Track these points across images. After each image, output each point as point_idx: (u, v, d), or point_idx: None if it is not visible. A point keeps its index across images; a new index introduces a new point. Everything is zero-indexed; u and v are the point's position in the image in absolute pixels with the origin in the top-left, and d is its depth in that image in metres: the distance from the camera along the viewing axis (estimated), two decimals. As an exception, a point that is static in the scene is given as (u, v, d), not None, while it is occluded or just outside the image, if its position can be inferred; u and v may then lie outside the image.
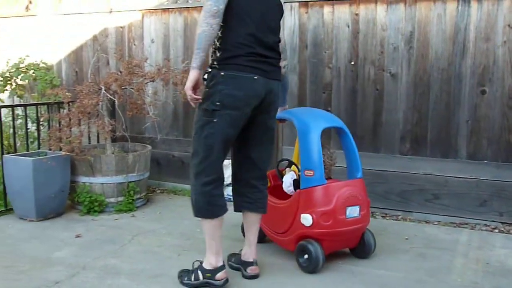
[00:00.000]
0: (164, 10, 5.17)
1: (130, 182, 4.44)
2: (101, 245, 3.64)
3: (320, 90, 4.58)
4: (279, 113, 3.22)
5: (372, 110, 4.39)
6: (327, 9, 4.46)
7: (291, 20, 4.61)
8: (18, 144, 4.79)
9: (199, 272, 2.93)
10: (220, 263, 2.92)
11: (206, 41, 2.62)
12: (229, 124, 2.79)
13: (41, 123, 4.77)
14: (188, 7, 5.05)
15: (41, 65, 5.42)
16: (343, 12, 4.41)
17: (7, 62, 5.36)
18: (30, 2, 5.95)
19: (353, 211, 3.15)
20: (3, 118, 4.54)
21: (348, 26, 4.39)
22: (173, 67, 4.77)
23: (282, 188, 3.43)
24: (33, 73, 5.25)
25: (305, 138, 3.15)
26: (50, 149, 4.49)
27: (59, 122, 4.60)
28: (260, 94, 2.83)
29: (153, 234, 3.89)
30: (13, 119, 4.51)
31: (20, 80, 5.31)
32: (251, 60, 2.78)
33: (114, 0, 5.38)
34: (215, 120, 2.76)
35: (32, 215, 4.16)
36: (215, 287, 2.90)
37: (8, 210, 4.37)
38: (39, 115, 4.70)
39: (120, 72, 4.89)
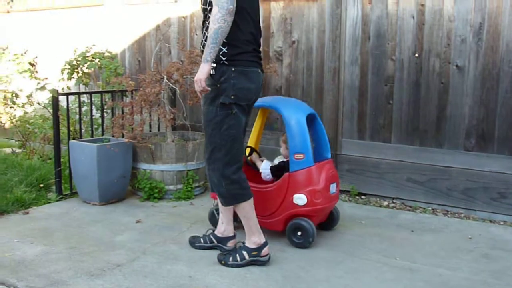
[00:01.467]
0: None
1: (189, 170, 4.51)
2: (161, 231, 3.72)
3: (382, 82, 4.47)
4: (258, 102, 3.39)
5: (436, 103, 4.25)
6: (391, -1, 4.35)
7: (354, 11, 4.53)
8: (83, 130, 4.95)
9: (244, 252, 3.09)
10: (263, 240, 3.12)
11: (222, 37, 2.78)
12: (243, 114, 3.05)
13: (105, 110, 4.91)
14: (250, -3, 5.03)
15: (106, 54, 5.56)
16: (408, 2, 4.28)
17: (75, 51, 5.54)
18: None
19: (333, 188, 3.52)
20: (69, 105, 4.69)
21: (413, 17, 4.26)
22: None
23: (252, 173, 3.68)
24: (99, 61, 5.40)
25: (293, 125, 3.40)
26: (113, 136, 4.62)
27: (122, 110, 4.73)
28: (261, 86, 3.13)
29: (202, 222, 3.93)
30: (79, 106, 4.66)
31: (86, 68, 5.48)
32: (254, 56, 3.04)
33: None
34: (234, 112, 2.96)
35: (95, 199, 4.30)
36: (261, 262, 3.09)
37: (73, 194, 4.54)
38: (103, 102, 4.84)
39: (182, 61, 4.97)
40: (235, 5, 2.76)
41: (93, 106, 4.93)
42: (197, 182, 4.60)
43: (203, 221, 3.95)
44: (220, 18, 2.73)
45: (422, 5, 4.21)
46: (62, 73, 5.47)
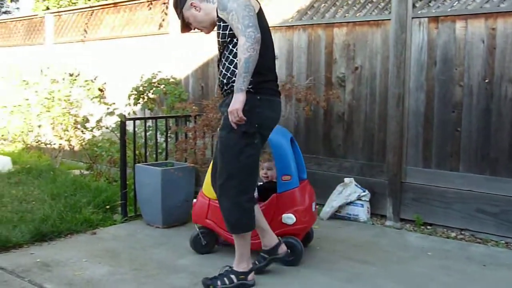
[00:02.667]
0: (288, 27, 5.24)
1: (251, 195, 4.51)
2: (223, 257, 3.70)
3: (449, 109, 4.35)
4: None
5: (509, 131, 4.08)
6: (459, 24, 4.25)
7: (419, 36, 4.45)
8: (147, 154, 5.07)
9: (232, 276, 3.13)
10: (251, 265, 3.19)
11: (253, 66, 2.81)
12: (262, 144, 3.11)
13: (169, 135, 5.02)
14: (313, 24, 5.07)
15: (171, 80, 5.72)
16: (477, 27, 4.16)
17: (141, 77, 5.73)
18: (163, 20, 6.34)
19: (314, 206, 3.74)
20: (135, 129, 4.82)
21: (483, 42, 4.14)
22: (297, 83, 4.79)
23: None
24: (164, 87, 5.56)
25: (280, 149, 3.55)
26: (176, 160, 4.70)
27: (186, 135, 4.82)
28: (280, 116, 3.22)
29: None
30: (145, 131, 4.79)
31: (152, 94, 5.64)
32: (276, 85, 3.15)
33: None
34: (256, 142, 3.00)
35: (158, 222, 4.38)
36: (249, 286, 3.14)
37: (138, 216, 4.63)
38: (168, 127, 4.95)
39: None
40: (260, 33, 2.82)
41: (158, 131, 5.06)
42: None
43: (264, 247, 3.92)
44: (250, 47, 2.78)
45: (493, 29, 4.08)
46: (129, 98, 5.66)
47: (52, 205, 4.60)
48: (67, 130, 6.68)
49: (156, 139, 4.90)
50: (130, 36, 6.77)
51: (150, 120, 5.19)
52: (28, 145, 7.67)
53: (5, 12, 18.97)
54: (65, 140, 6.76)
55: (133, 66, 6.55)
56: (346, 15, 4.89)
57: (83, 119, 6.16)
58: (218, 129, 3.16)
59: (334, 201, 4.68)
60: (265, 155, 3.83)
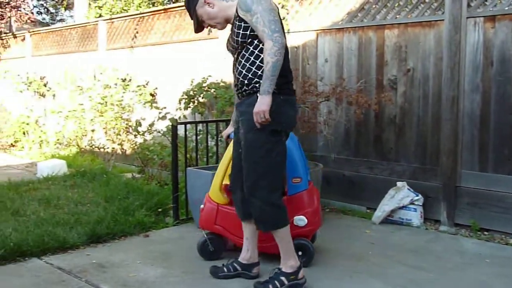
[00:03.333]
0: (339, 29, 5.20)
1: (301, 199, 4.49)
2: (273, 261, 3.70)
3: (507, 110, 4.20)
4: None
5: None
6: (518, 23, 4.10)
7: (474, 36, 4.33)
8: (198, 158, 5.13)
9: (283, 278, 3.10)
10: (299, 263, 3.16)
11: (279, 69, 2.89)
12: (285, 142, 3.16)
13: (219, 138, 5.06)
14: (363, 26, 5.01)
15: (221, 84, 5.76)
16: (537, 25, 4.01)
17: (191, 82, 5.80)
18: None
19: (320, 206, 3.77)
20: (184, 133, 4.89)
21: (544, 41, 3.98)
22: (347, 86, 4.74)
23: None
24: (214, 91, 5.61)
25: (291, 151, 3.47)
26: (227, 164, 4.72)
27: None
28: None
29: (325, 252, 3.85)
30: (196, 135, 4.85)
31: (202, 98, 5.70)
32: (293, 85, 3.18)
33: (293, 21, 5.54)
34: (283, 139, 3.09)
35: (209, 225, 4.40)
36: (300, 286, 3.14)
37: (189, 219, 4.68)
38: (218, 131, 4.99)
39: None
40: (285, 39, 2.94)
41: (209, 135, 5.10)
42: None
43: (316, 250, 3.89)
44: (277, 52, 2.86)
45: (554, 28, 3.93)
46: (180, 102, 5.74)
47: (106, 208, 4.72)
48: (119, 134, 6.85)
49: (207, 143, 4.95)
50: (180, 41, 6.88)
51: (201, 124, 5.25)
52: (82, 149, 7.91)
53: (59, 20, 19.66)
54: (118, 144, 6.93)
55: (183, 71, 6.65)
56: (398, 16, 4.80)
57: (136, 123, 6.30)
58: (240, 130, 3.15)
59: (386, 205, 4.60)
60: None
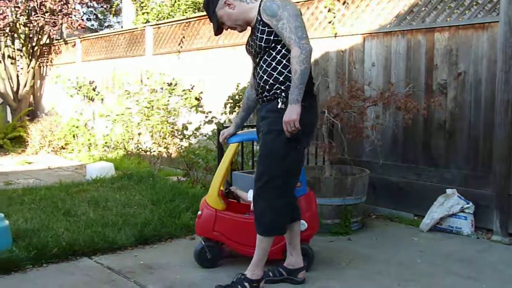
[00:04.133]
0: (386, 33, 5.12)
1: (347, 205, 4.43)
2: (318, 266, 3.67)
3: None
4: (241, 137, 3.70)
5: None
6: None
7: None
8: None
9: (246, 284, 3.10)
10: (262, 276, 3.18)
11: (307, 77, 2.89)
12: (304, 149, 3.16)
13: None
14: (412, 29, 4.91)
15: (267, 88, 5.76)
16: None
17: (237, 86, 5.84)
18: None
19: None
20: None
21: None
22: (395, 91, 4.66)
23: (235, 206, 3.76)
24: (259, 96, 5.61)
25: None
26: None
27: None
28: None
29: (370, 260, 3.81)
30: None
31: (247, 102, 5.71)
32: (312, 88, 3.11)
33: (339, 25, 5.50)
34: (298, 147, 3.04)
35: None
36: None
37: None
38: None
39: (339, 95, 4.97)
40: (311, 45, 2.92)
41: (254, 139, 5.11)
42: (355, 218, 4.50)
43: (362, 257, 3.84)
44: (305, 60, 2.85)
45: None
46: (225, 107, 5.77)
47: (153, 210, 4.78)
48: (165, 138, 6.94)
49: (253, 147, 4.95)
50: (226, 46, 6.92)
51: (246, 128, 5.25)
52: (129, 152, 8.06)
53: (107, 26, 20.18)
54: (163, 148, 7.03)
55: (227, 75, 6.69)
56: (448, 19, 4.69)
57: (182, 127, 6.37)
58: (260, 134, 3.14)
59: (435, 213, 4.48)
60: None
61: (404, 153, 5.00)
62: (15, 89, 10.91)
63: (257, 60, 3.14)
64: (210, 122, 5.57)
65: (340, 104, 4.43)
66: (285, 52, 2.99)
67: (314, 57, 5.72)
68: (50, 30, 10.27)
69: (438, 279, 3.43)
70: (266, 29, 2.98)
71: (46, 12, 10.08)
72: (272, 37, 2.99)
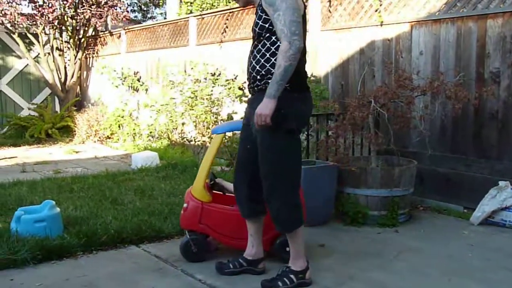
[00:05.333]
0: (435, 21, 4.97)
1: (394, 196, 4.35)
2: (366, 257, 3.63)
3: None
4: (226, 127, 3.65)
5: None
6: None
7: None
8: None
9: (292, 276, 3.08)
10: (307, 264, 3.15)
11: (291, 74, 2.81)
12: (300, 139, 3.14)
13: (310, 133, 5.01)
14: (463, 16, 4.76)
15: (311, 78, 5.71)
16: None
17: (281, 76, 5.79)
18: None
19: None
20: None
21: None
22: (445, 79, 4.53)
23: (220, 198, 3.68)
24: (304, 86, 5.56)
25: None
26: (317, 159, 4.68)
27: (327, 133, 4.78)
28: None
29: (419, 252, 3.73)
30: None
31: (291, 92, 5.67)
32: (306, 80, 3.09)
33: (385, 13, 5.38)
34: (296, 138, 3.04)
35: (300, 220, 4.38)
36: (307, 285, 3.12)
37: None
38: (308, 126, 4.94)
39: (385, 84, 4.87)
40: (303, 43, 2.85)
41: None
42: (402, 209, 4.42)
43: (410, 250, 3.77)
44: (292, 56, 2.77)
45: None
46: (269, 97, 5.74)
47: (198, 199, 4.81)
48: (209, 128, 6.98)
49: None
50: (269, 35, 6.88)
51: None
52: (173, 142, 8.15)
53: (150, 18, 20.44)
54: (207, 137, 7.07)
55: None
56: (502, 5, 4.51)
57: (228, 117, 6.39)
58: (255, 129, 3.01)
59: (486, 206, 4.35)
60: None
61: (453, 144, 4.87)
62: (62, 80, 11.19)
63: (252, 48, 3.09)
64: (254, 112, 5.56)
65: (388, 93, 4.33)
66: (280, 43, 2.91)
67: (360, 46, 5.63)
68: (96, 22, 10.47)
69: (490, 274, 3.33)
70: (263, 16, 2.93)
71: (93, 4, 10.27)
72: (267, 25, 2.91)
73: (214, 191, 3.72)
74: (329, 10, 6.02)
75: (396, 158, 4.76)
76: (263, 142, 3.00)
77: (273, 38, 2.93)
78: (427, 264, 3.49)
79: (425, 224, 4.43)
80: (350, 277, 3.28)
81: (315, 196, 4.30)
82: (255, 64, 3.04)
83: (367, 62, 5.51)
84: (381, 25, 5.40)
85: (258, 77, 3.02)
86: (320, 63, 6.07)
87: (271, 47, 2.96)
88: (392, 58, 5.32)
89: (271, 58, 2.96)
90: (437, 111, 4.68)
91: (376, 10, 5.46)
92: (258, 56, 3.02)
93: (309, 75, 5.71)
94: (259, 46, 3.01)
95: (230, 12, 7.68)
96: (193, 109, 7.10)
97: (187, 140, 7.59)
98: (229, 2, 9.95)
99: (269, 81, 2.88)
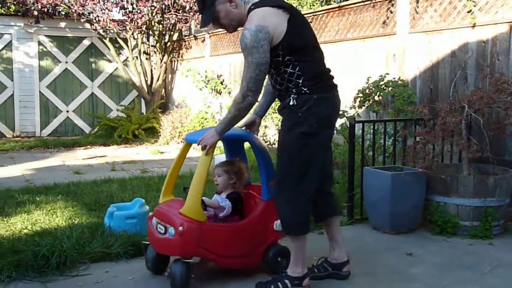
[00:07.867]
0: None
1: (488, 207, 4.13)
2: (458, 270, 3.48)
3: None
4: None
5: None
6: None
7: None
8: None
9: (286, 281, 3.02)
10: (306, 271, 3.08)
11: (238, 121, 3.06)
12: (324, 144, 3.04)
13: (397, 138, 4.88)
14: None
15: (399, 82, 5.56)
16: None
17: (367, 80, 5.69)
18: (387, 18, 6.20)
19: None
20: (359, 132, 4.79)
21: None
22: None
23: None
24: (392, 90, 5.43)
25: (265, 154, 3.33)
26: (403, 164, 4.55)
27: (415, 138, 4.63)
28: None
29: (508, 267, 3.52)
30: (373, 134, 4.74)
31: (378, 96, 5.55)
32: (330, 78, 3.06)
33: (481, 13, 5.13)
34: (313, 141, 2.91)
35: (386, 227, 4.28)
36: None
37: (363, 219, 4.59)
38: (395, 131, 4.81)
39: (479, 88, 4.64)
40: (256, 99, 2.92)
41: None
42: (496, 221, 4.18)
43: (506, 266, 3.56)
44: (241, 108, 2.93)
45: None
46: (355, 101, 5.66)
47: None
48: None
49: (385, 143, 4.80)
50: (354, 38, 6.78)
51: (376, 123, 5.11)
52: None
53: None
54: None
55: (355, 68, 6.55)
56: None
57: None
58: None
59: None
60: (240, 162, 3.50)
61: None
62: (149, 82, 11.62)
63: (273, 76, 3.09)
64: (341, 116, 5.47)
65: (484, 98, 4.12)
66: (289, 57, 2.91)
67: (451, 48, 5.41)
68: (182, 27, 10.78)
69: None
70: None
71: (178, 9, 10.59)
72: (273, 57, 2.92)
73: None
74: (416, 11, 5.83)
75: (489, 166, 4.51)
76: (279, 141, 3.09)
77: (280, 58, 2.93)
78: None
79: (521, 238, 4.19)
80: (443, 287, 3.15)
81: (402, 202, 4.20)
82: (274, 83, 3.09)
83: (460, 65, 5.27)
84: (474, 26, 5.15)
85: (282, 88, 3.04)
86: (407, 66, 5.89)
87: (281, 68, 2.97)
88: (488, 61, 5.06)
89: (285, 76, 2.97)
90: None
91: (469, 12, 5.21)
92: (276, 77, 3.04)
93: (396, 78, 5.62)
94: (272, 71, 3.03)
95: (314, 15, 7.61)
96: (275, 112, 7.11)
97: (269, 143, 7.62)
98: (313, 5, 9.91)
99: (289, 88, 2.96)
